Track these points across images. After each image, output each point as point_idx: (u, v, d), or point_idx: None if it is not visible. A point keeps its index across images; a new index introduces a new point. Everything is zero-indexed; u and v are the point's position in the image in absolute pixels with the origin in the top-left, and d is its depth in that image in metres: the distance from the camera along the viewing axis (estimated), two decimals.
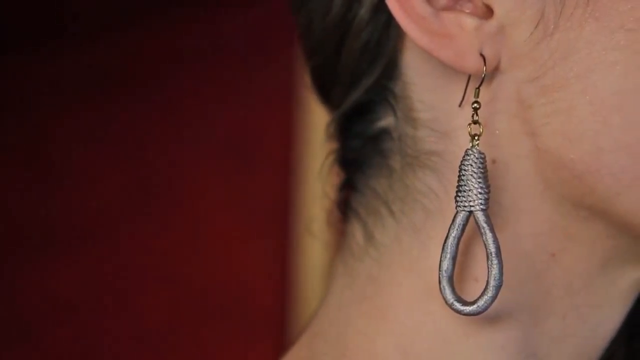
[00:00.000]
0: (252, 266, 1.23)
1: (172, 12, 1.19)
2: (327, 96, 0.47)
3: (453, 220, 0.41)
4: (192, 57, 1.23)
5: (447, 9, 0.40)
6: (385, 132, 0.45)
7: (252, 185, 1.23)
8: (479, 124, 0.41)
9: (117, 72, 1.21)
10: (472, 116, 0.41)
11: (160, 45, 1.21)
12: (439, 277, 0.41)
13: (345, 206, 0.47)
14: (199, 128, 1.21)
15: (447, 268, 0.41)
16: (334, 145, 0.48)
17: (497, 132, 0.41)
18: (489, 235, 0.40)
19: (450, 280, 0.41)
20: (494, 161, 0.42)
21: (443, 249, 0.41)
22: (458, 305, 0.40)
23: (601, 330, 0.45)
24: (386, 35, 0.43)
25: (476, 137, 0.40)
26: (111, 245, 1.17)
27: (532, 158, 0.41)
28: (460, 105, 0.42)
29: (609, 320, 0.45)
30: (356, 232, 0.46)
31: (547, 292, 0.43)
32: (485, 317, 0.43)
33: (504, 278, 0.43)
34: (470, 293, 0.43)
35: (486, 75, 0.40)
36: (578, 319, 0.44)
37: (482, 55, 0.40)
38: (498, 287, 0.40)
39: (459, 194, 0.40)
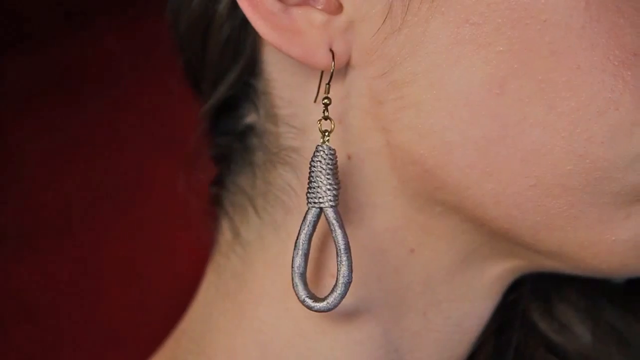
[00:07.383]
0: None
1: (130, 10, 1.18)
2: (199, 91, 0.47)
3: (304, 217, 0.40)
4: (150, 56, 1.22)
5: (298, 4, 0.40)
6: (250, 129, 0.44)
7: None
8: (330, 119, 0.40)
9: (75, 72, 1.21)
10: (323, 112, 0.40)
11: (117, 45, 1.21)
12: (292, 274, 0.41)
13: (216, 203, 0.47)
14: (158, 127, 1.21)
15: (299, 265, 0.41)
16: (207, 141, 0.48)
17: (351, 128, 0.41)
18: (338, 232, 0.40)
19: (303, 276, 0.41)
20: (349, 157, 0.41)
21: (295, 245, 0.40)
22: (309, 302, 0.40)
23: (466, 324, 0.44)
24: (245, 32, 0.43)
25: (327, 133, 0.40)
26: (70, 245, 1.17)
27: (385, 154, 0.41)
28: (315, 101, 0.42)
29: (473, 315, 0.44)
30: (225, 229, 0.46)
31: (407, 287, 0.43)
32: (341, 313, 0.42)
33: (362, 274, 0.42)
34: (328, 289, 0.42)
35: (337, 71, 0.40)
36: (440, 314, 0.44)
37: (332, 51, 0.40)
38: (347, 284, 0.40)
39: (309, 191, 0.40)
